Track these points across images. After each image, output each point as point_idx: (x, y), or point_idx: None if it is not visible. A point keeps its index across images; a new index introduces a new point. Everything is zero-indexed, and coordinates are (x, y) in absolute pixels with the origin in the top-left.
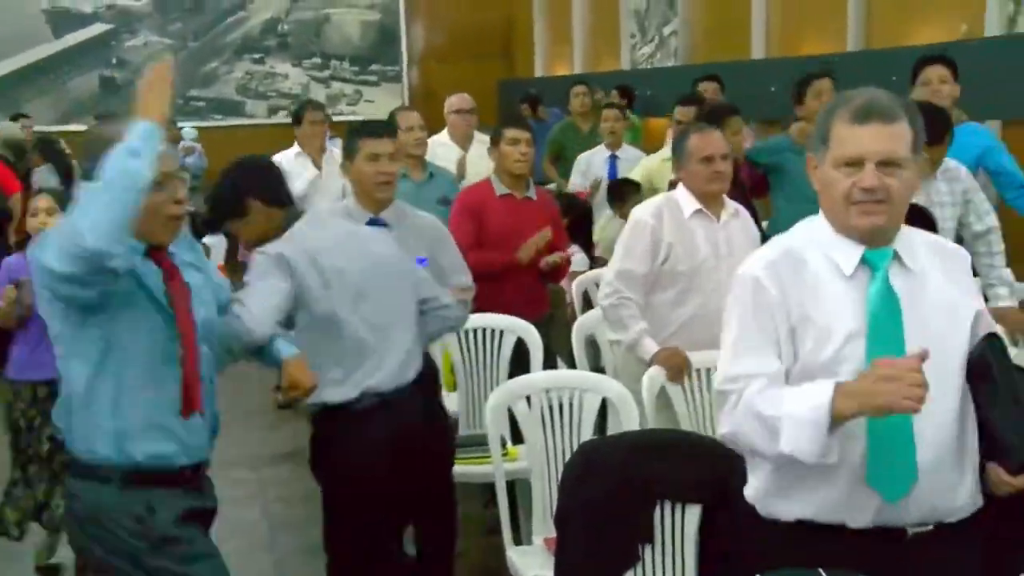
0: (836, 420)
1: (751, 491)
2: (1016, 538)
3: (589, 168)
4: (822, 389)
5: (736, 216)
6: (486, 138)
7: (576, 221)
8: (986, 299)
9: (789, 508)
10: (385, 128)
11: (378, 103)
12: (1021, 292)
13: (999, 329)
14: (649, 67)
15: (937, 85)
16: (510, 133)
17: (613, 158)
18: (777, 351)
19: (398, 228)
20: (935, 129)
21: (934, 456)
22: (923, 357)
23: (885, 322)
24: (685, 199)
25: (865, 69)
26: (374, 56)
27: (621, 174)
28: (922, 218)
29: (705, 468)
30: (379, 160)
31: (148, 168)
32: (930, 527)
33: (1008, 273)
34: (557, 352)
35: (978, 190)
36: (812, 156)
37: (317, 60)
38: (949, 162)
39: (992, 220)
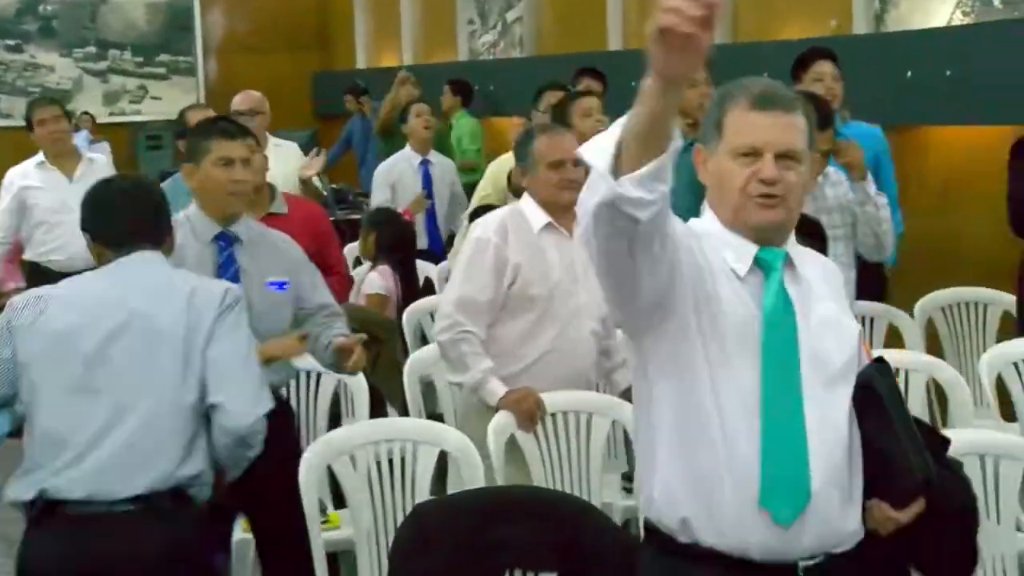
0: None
1: (643, 501)
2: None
3: (400, 179)
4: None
5: None
6: (282, 142)
7: (386, 238)
8: None
9: (677, 518)
10: (239, 128)
11: (168, 100)
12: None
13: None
14: (491, 58)
15: (831, 82)
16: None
17: (425, 164)
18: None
19: (252, 245)
20: (820, 117)
21: (824, 476)
22: None
23: (779, 325)
24: (533, 212)
25: (732, 63)
26: (163, 45)
27: (438, 184)
28: (810, 227)
29: (560, 529)
30: (233, 166)
31: None
32: (821, 559)
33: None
34: (386, 397)
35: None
36: (701, 147)
37: (92, 49)
38: (830, 169)
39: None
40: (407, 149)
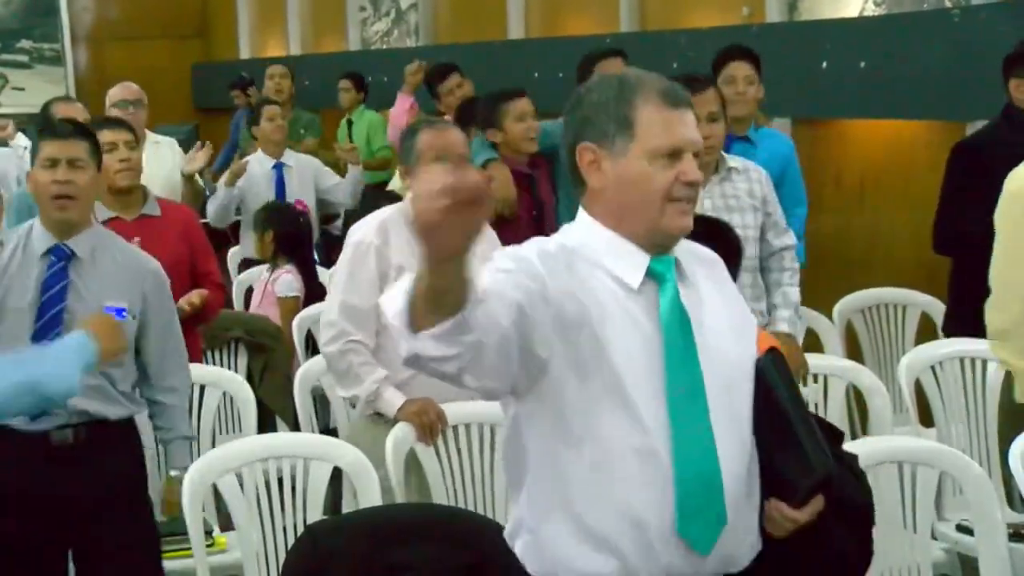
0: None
1: (521, 547)
2: None
3: (250, 186)
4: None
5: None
6: (161, 138)
7: (285, 235)
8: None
9: (568, 563)
10: (72, 127)
11: (32, 91)
12: (814, 319)
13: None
14: (384, 47)
15: (743, 86)
16: (102, 137)
17: (279, 167)
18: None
19: (92, 262)
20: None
21: (734, 494)
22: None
23: (679, 339)
24: None
25: (640, 52)
26: (24, 30)
27: (292, 188)
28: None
29: (464, 550)
30: (56, 167)
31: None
32: None
33: (795, 294)
34: (275, 410)
35: (777, 203)
36: (592, 147)
37: None
38: (746, 162)
39: (791, 238)
40: (259, 152)
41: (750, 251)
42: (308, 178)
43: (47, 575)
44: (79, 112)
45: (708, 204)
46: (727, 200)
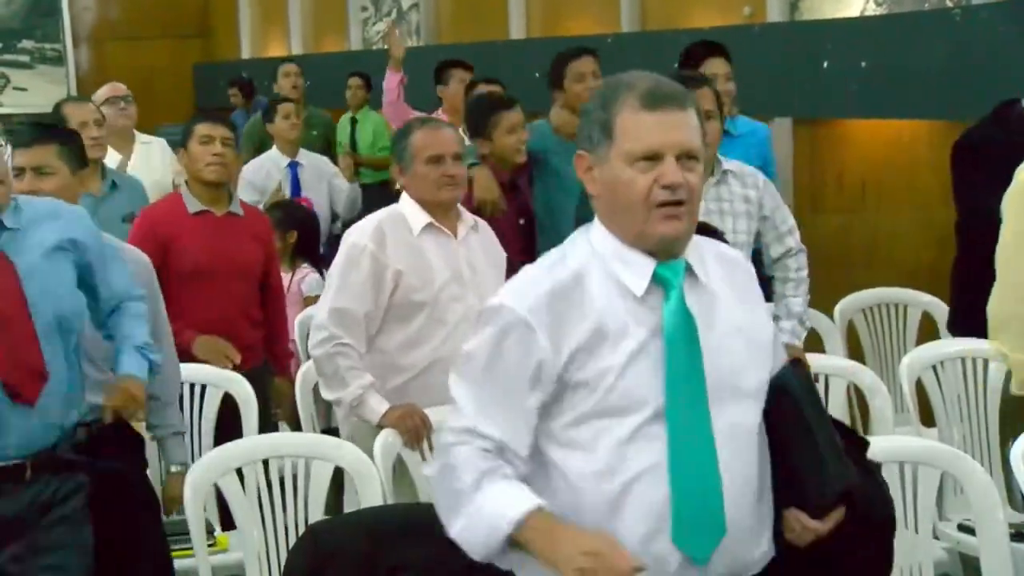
0: (519, 545)
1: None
2: None
3: (267, 184)
4: (521, 501)
5: (476, 230)
6: (152, 139)
7: (305, 235)
8: None
9: None
10: (35, 132)
11: (34, 91)
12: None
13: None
14: (386, 47)
15: (723, 83)
16: (201, 129)
17: (294, 167)
18: (524, 418)
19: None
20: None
21: (737, 506)
22: (641, 569)
23: (682, 349)
24: (412, 212)
25: (641, 52)
26: (25, 31)
27: (307, 187)
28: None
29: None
30: (22, 177)
31: None
32: None
33: (798, 304)
34: (277, 410)
35: (780, 207)
36: (585, 154)
37: None
38: (743, 166)
39: (793, 241)
40: (273, 151)
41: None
42: (321, 177)
43: None
44: (90, 112)
45: (701, 207)
46: (720, 204)
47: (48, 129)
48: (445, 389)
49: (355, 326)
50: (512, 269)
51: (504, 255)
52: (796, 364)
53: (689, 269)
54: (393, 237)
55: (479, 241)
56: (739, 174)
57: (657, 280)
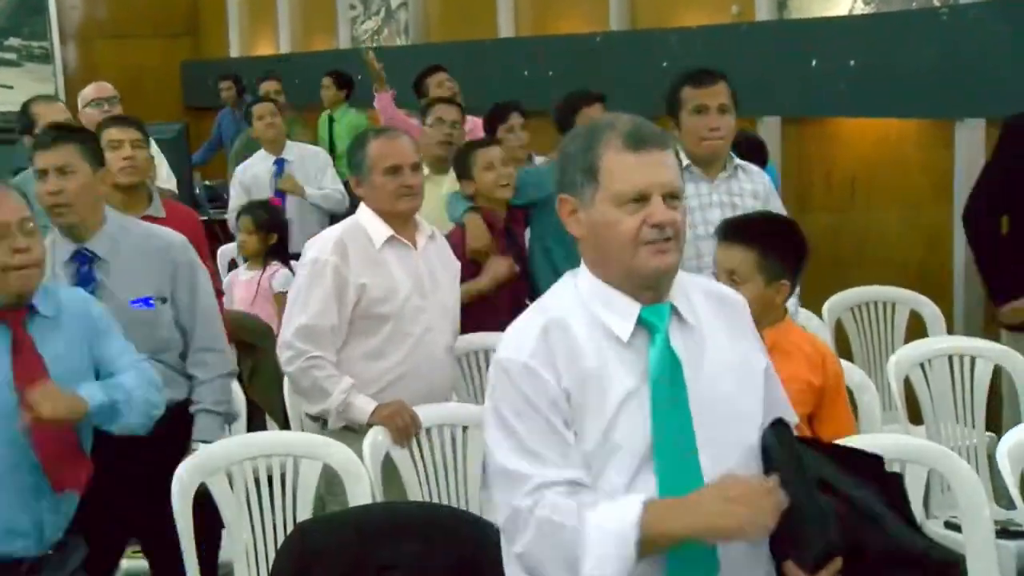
0: (651, 540)
1: None
2: None
3: (255, 182)
4: (629, 502)
5: (433, 240)
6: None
7: (281, 237)
8: None
9: None
10: (56, 133)
11: (20, 89)
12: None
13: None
14: (375, 46)
15: (715, 117)
16: (109, 135)
17: (280, 163)
18: (573, 448)
19: (115, 258)
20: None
21: (734, 548)
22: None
23: (666, 392)
24: (372, 224)
25: (630, 51)
26: (12, 28)
27: (299, 179)
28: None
29: (454, 546)
30: (46, 178)
31: None
32: None
33: (790, 302)
34: (266, 410)
35: (780, 207)
36: (568, 198)
37: None
38: (749, 164)
39: None
40: (260, 151)
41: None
42: (310, 171)
43: (113, 542)
44: (60, 111)
45: (715, 199)
46: (732, 198)
47: (68, 129)
48: (414, 399)
49: (323, 339)
50: (509, 313)
51: (458, 264)
52: (778, 424)
53: (675, 311)
54: (355, 250)
55: (435, 250)
56: (748, 170)
57: (643, 324)
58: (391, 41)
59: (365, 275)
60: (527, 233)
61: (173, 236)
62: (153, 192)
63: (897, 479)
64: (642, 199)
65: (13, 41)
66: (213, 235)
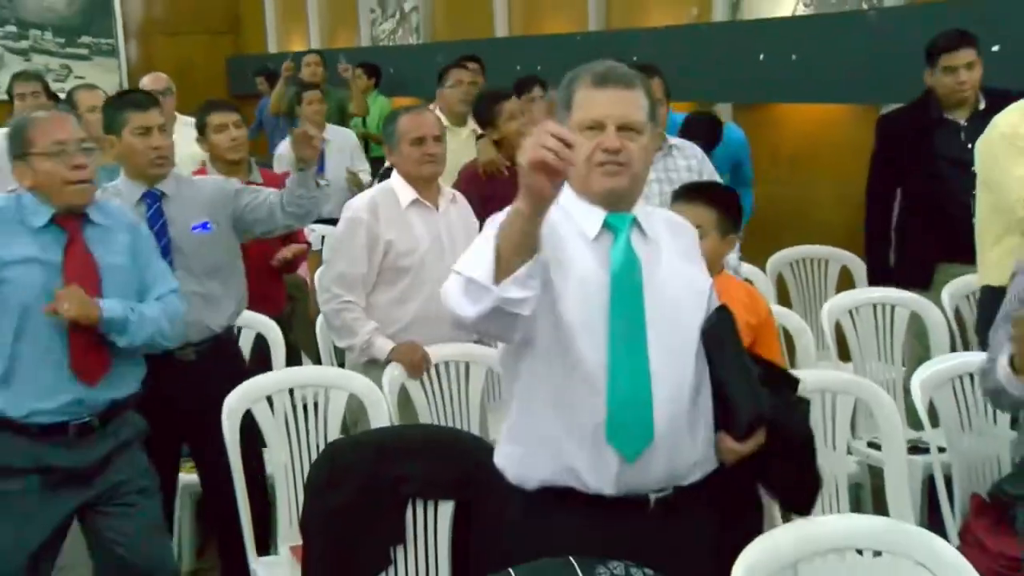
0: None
1: (501, 458)
2: (747, 501)
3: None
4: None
5: (454, 203)
6: (190, 119)
7: None
8: None
9: (535, 470)
10: (148, 98)
11: (91, 79)
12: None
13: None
14: (391, 44)
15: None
16: (215, 119)
17: (320, 143)
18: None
19: (178, 196)
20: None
21: (669, 417)
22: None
23: (626, 282)
24: (401, 188)
25: (605, 49)
26: (83, 26)
27: (332, 161)
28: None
29: (456, 462)
30: (149, 134)
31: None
32: (670, 491)
33: (733, 258)
34: (302, 349)
35: (714, 174)
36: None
37: (12, 28)
38: (683, 141)
39: None
40: None
41: None
42: (346, 151)
43: (169, 455)
44: (98, 98)
45: (652, 176)
46: (668, 174)
47: (150, 96)
48: (428, 339)
49: (355, 285)
50: None
51: (477, 223)
52: (722, 309)
53: (636, 223)
54: (385, 210)
55: (456, 211)
56: (681, 147)
57: (607, 226)
58: (404, 40)
59: (392, 232)
60: None
61: (226, 180)
62: (251, 162)
63: (805, 404)
64: (597, 127)
65: (85, 38)
66: None
